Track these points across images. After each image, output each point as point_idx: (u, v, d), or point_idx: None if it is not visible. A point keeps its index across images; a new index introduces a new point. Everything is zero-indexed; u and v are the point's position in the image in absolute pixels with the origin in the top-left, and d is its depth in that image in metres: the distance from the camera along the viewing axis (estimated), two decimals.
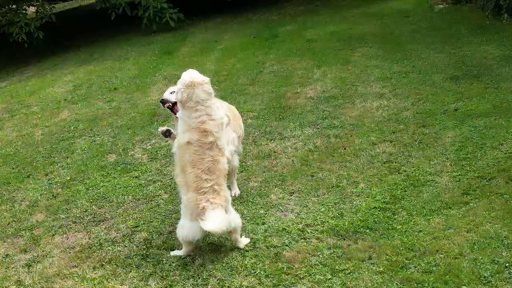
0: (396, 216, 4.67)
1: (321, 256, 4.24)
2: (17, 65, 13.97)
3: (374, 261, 4.10)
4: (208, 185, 4.23)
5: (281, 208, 5.05)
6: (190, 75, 4.40)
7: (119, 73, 10.97)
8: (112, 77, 10.72)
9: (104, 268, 4.46)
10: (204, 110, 4.30)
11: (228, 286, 4.04)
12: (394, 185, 5.17)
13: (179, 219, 4.99)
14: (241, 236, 4.51)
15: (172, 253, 4.53)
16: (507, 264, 3.82)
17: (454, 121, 6.34)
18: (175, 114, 4.74)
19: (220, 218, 4.13)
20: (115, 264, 4.49)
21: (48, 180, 6.33)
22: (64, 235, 5.08)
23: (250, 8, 16.40)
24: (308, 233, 4.58)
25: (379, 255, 4.15)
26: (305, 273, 4.07)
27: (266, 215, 4.94)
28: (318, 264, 4.15)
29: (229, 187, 5.04)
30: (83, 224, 5.24)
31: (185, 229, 4.33)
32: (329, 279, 3.98)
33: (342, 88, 8.04)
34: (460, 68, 8.16)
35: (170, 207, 5.33)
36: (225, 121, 4.72)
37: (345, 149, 6.06)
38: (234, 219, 4.36)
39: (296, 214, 4.91)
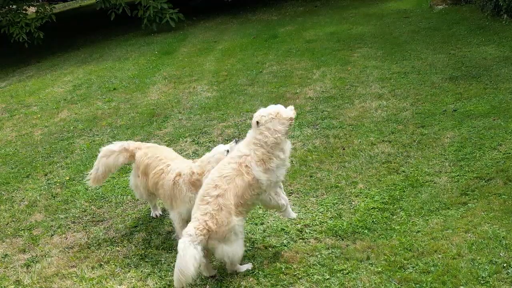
0: (394, 217, 4.67)
1: (319, 256, 4.24)
2: (17, 65, 14.00)
3: (372, 261, 4.10)
4: (214, 194, 3.90)
5: None
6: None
7: (119, 73, 10.99)
8: (112, 77, 10.74)
9: (102, 268, 4.46)
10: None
11: (226, 286, 4.04)
12: (392, 185, 5.17)
13: None
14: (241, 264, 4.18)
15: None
16: (504, 265, 3.82)
17: (453, 121, 6.34)
18: None
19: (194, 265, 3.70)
20: (113, 264, 4.49)
21: (47, 180, 6.34)
22: (63, 235, 5.09)
23: (250, 8, 16.43)
24: (307, 233, 4.58)
25: (377, 255, 4.15)
26: (303, 273, 4.07)
27: (264, 215, 4.94)
28: (316, 264, 4.15)
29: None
30: (82, 224, 5.25)
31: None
32: (327, 279, 3.98)
33: (341, 89, 8.04)
34: (459, 69, 8.16)
35: None
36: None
37: (344, 149, 6.06)
38: (230, 251, 3.93)
39: None
